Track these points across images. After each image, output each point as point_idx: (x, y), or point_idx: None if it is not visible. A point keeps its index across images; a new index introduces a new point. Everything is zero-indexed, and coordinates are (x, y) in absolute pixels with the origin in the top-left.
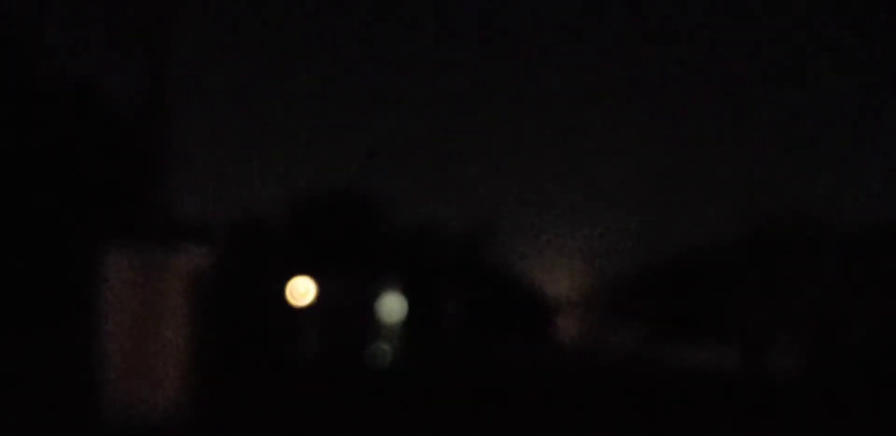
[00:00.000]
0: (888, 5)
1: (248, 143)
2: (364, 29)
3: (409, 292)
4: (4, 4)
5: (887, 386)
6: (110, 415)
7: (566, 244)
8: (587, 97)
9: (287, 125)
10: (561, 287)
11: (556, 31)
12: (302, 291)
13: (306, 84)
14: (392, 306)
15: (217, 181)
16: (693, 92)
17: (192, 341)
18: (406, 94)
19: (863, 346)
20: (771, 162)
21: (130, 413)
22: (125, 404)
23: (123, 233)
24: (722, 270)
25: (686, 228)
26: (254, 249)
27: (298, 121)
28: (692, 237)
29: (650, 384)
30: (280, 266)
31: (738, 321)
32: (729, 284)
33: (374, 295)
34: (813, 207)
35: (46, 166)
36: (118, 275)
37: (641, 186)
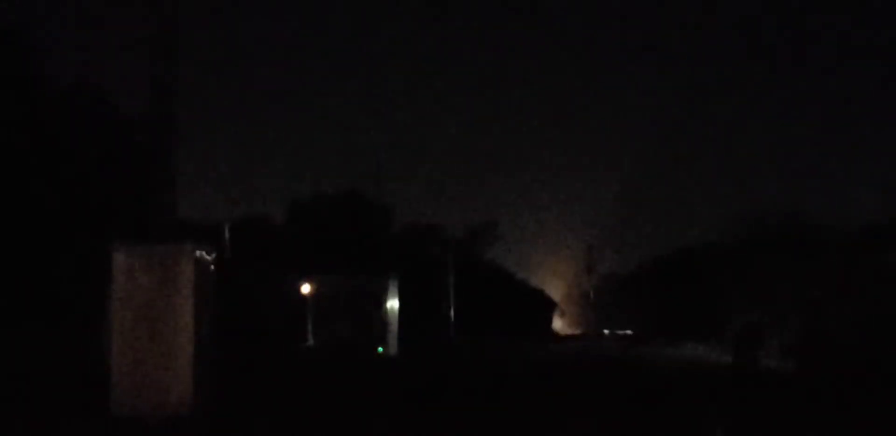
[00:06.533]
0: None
1: (253, 145)
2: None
3: (408, 292)
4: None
5: (884, 387)
6: (121, 411)
7: (564, 244)
8: (583, 96)
9: (290, 127)
10: (559, 286)
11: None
12: (302, 290)
13: (309, 85)
14: (392, 306)
15: (222, 183)
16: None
17: (196, 340)
18: (406, 94)
19: (860, 347)
20: (767, 162)
21: (140, 409)
22: (135, 401)
23: (133, 234)
24: (718, 269)
25: (683, 227)
26: (256, 250)
27: (302, 123)
28: (690, 237)
29: (646, 383)
30: (281, 266)
31: (734, 321)
32: (725, 283)
33: (374, 294)
34: (809, 207)
35: (56, 170)
36: (127, 275)
37: (638, 185)
